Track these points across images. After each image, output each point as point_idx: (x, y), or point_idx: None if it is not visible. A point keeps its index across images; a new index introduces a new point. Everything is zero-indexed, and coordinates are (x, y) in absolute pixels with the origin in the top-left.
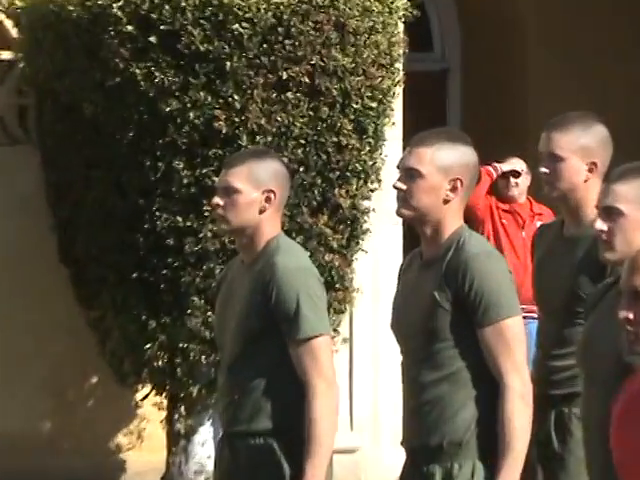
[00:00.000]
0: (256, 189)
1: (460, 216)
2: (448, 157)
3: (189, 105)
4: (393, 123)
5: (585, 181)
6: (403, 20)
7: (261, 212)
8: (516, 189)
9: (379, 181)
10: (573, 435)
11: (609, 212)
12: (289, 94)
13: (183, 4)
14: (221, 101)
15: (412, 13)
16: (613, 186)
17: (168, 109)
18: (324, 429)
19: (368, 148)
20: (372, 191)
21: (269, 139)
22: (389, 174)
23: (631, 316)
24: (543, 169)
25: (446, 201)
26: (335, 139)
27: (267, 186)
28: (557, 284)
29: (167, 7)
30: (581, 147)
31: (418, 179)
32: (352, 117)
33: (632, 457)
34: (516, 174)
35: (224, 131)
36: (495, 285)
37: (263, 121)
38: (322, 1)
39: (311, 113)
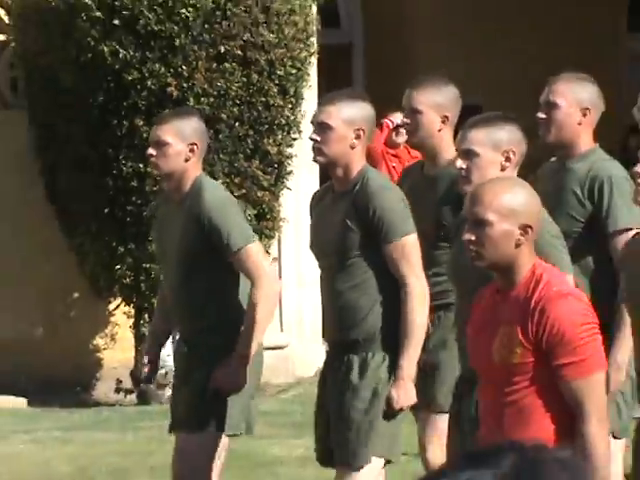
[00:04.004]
0: (182, 142)
1: (363, 158)
2: (351, 112)
3: (147, 75)
4: (310, 86)
5: (439, 130)
6: (316, 3)
7: (186, 161)
8: (402, 137)
9: (299, 132)
10: (447, 341)
11: (467, 153)
12: (226, 64)
13: None
14: (172, 71)
15: None
16: (469, 133)
17: (130, 78)
18: (261, 312)
19: (290, 106)
20: (294, 140)
21: (211, 100)
22: (307, 127)
23: (473, 238)
24: (405, 120)
25: (352, 147)
26: (263, 99)
27: (191, 140)
28: (425, 215)
29: None
30: (436, 103)
31: (329, 131)
32: (277, 82)
33: (482, 361)
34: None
35: (175, 95)
36: (394, 211)
37: (206, 86)
38: None
39: (244, 79)
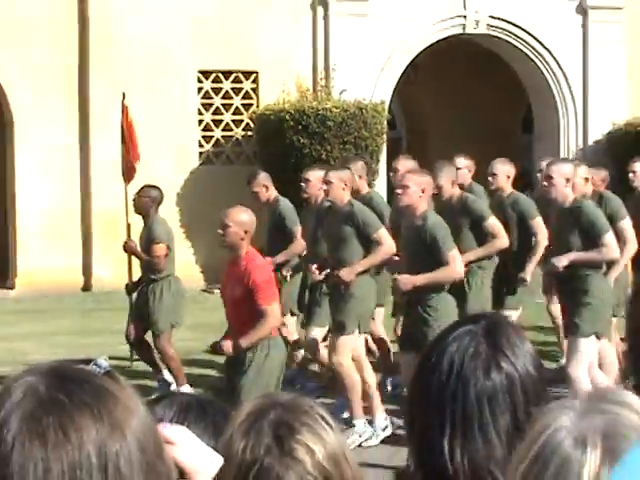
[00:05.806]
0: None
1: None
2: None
3: (321, 151)
4: (380, 160)
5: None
6: (385, 119)
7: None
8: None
9: (377, 161)
10: None
11: (326, 183)
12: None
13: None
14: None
15: None
16: (330, 172)
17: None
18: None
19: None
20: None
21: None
22: (382, 176)
23: (222, 232)
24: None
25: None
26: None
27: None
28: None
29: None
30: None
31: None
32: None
33: (226, 298)
34: None
35: (324, 157)
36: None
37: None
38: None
39: (343, 152)
